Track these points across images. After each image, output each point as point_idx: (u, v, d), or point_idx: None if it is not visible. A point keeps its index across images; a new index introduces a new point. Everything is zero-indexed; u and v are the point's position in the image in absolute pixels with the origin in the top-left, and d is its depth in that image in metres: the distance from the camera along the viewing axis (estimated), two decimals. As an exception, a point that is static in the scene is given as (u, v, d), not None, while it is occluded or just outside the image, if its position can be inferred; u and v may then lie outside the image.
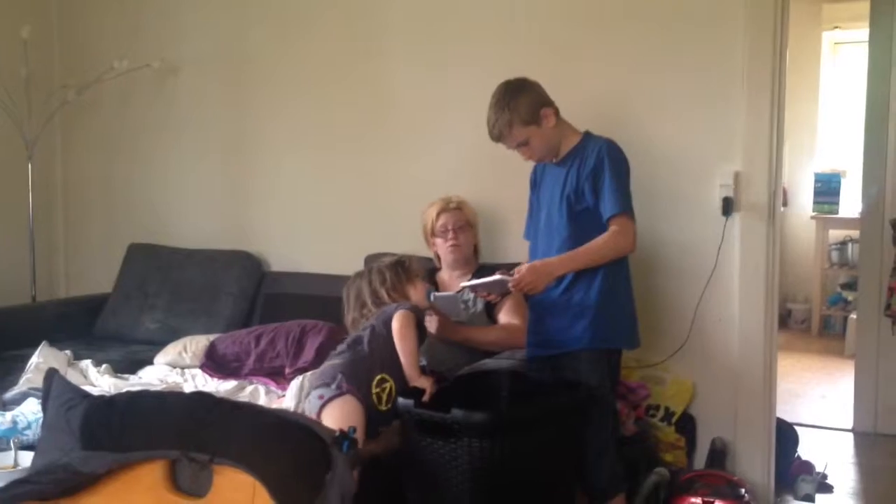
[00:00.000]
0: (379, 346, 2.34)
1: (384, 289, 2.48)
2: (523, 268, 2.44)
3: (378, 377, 2.29)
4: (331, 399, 2.16)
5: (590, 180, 2.46)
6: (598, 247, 2.43)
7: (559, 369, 2.49)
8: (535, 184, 2.70)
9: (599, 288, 2.44)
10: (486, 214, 3.27)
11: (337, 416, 2.08)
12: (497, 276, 2.50)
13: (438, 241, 3.08)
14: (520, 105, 2.48)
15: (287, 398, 2.42)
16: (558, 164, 2.57)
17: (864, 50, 4.02)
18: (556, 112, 2.54)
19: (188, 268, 3.83)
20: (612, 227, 2.43)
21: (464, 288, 2.66)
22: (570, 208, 2.49)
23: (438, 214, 3.07)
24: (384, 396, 2.29)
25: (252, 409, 1.72)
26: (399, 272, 2.53)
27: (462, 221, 3.06)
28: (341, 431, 1.47)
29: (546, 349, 2.54)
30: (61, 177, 4.35)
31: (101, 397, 1.69)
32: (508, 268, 2.74)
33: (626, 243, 2.45)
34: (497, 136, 2.54)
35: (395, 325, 2.35)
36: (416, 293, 2.54)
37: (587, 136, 2.56)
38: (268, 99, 3.84)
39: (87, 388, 2.84)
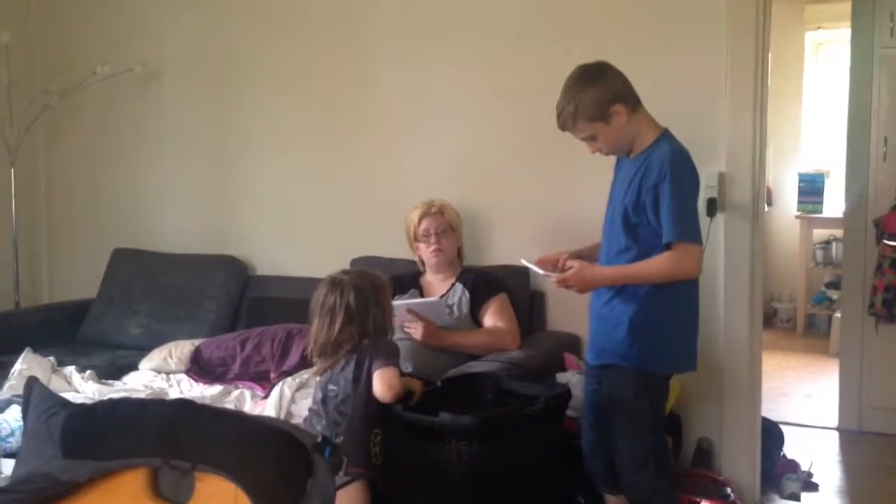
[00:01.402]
0: (370, 402, 2.25)
1: (368, 309, 2.32)
2: (572, 271, 2.33)
3: (373, 433, 2.22)
4: (339, 487, 1.96)
5: (650, 196, 2.26)
6: (649, 269, 2.28)
7: (601, 378, 2.42)
8: (615, 171, 2.50)
9: (639, 305, 2.30)
10: (470, 216, 3.27)
11: None
12: (545, 273, 2.42)
13: (421, 245, 3.07)
14: (586, 98, 2.27)
15: (268, 405, 2.41)
16: (632, 161, 2.37)
17: (846, 50, 4.05)
18: (633, 107, 2.32)
19: (173, 272, 3.81)
20: (672, 251, 2.26)
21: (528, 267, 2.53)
22: (627, 219, 2.32)
23: (420, 219, 3.06)
24: (377, 450, 2.22)
25: (233, 416, 1.71)
26: (380, 294, 2.37)
27: (444, 226, 3.05)
28: (323, 437, 1.46)
29: (594, 357, 2.45)
30: (44, 182, 4.33)
31: (82, 405, 1.68)
32: (494, 275, 2.70)
33: (684, 268, 2.27)
34: (562, 126, 2.36)
35: (377, 387, 2.25)
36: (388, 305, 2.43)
37: (662, 138, 2.34)
38: (251, 102, 3.83)
39: (71, 394, 2.85)
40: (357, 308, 2.29)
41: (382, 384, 2.24)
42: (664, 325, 2.34)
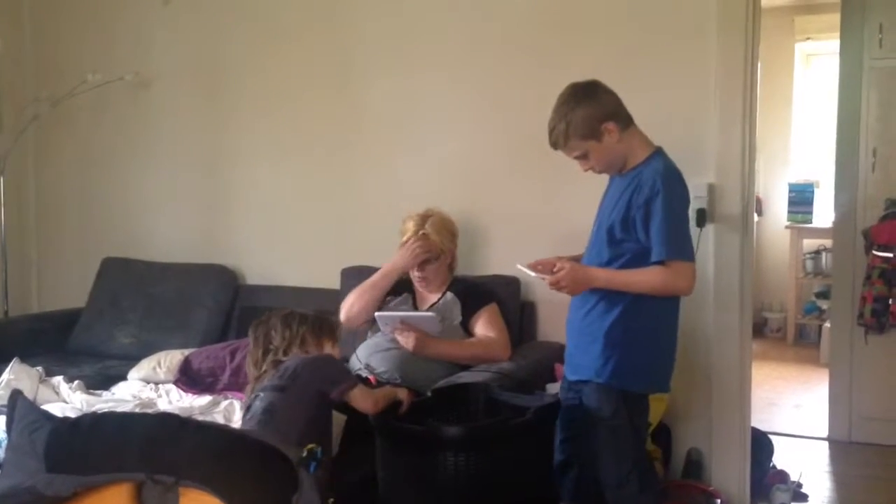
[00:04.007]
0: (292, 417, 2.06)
1: (300, 335, 2.35)
2: (564, 271, 2.29)
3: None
4: None
5: (641, 212, 2.25)
6: (642, 277, 2.26)
7: (580, 394, 2.39)
8: (607, 186, 2.49)
9: (615, 320, 2.28)
10: (464, 226, 3.25)
11: None
12: (537, 275, 2.37)
13: None
14: (577, 117, 2.28)
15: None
16: (622, 177, 2.36)
17: (836, 61, 4.07)
18: (624, 125, 2.32)
19: (163, 282, 3.80)
20: (667, 267, 2.24)
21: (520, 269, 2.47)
22: (612, 235, 2.31)
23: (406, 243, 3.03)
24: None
25: (218, 430, 1.70)
26: (322, 326, 2.40)
27: (428, 255, 3.01)
28: (308, 451, 1.46)
29: (571, 373, 2.44)
30: (34, 191, 4.31)
31: (66, 419, 1.67)
32: (485, 284, 2.68)
33: (677, 286, 2.26)
34: (553, 145, 2.35)
35: (360, 407, 2.22)
36: (332, 351, 2.39)
37: (654, 155, 2.33)
38: (242, 111, 3.83)
39: (59, 404, 2.82)
40: (297, 326, 2.39)
41: (365, 404, 2.23)
42: (640, 343, 2.32)
